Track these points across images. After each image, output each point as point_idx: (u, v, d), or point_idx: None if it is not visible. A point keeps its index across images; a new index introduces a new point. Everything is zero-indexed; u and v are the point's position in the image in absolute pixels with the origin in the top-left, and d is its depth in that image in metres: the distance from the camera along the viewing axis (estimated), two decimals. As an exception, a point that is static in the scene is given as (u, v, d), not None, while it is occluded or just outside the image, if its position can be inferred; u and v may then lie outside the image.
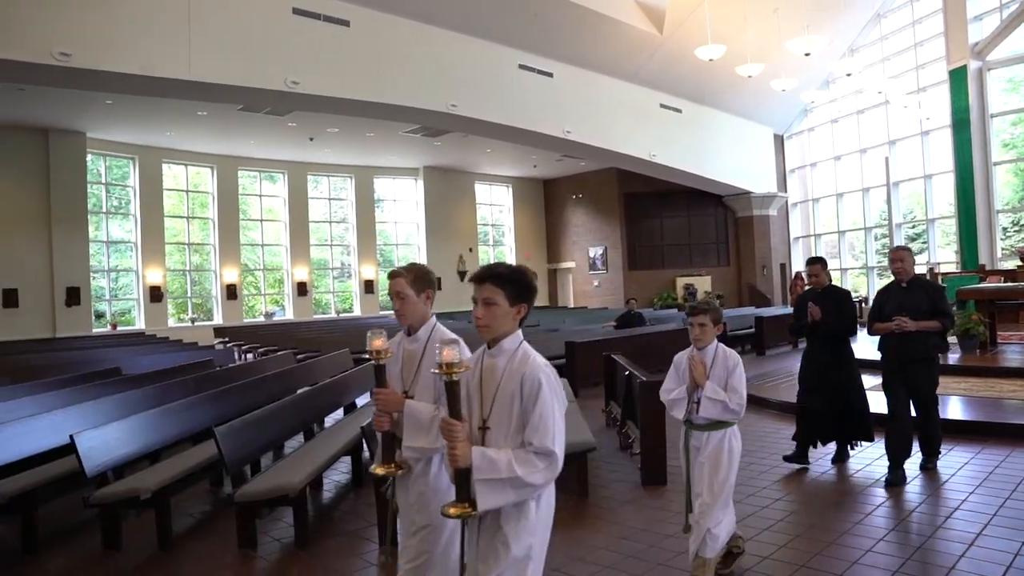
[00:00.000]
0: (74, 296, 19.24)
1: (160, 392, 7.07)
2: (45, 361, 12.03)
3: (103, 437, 5.00)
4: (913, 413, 5.69)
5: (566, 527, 4.77)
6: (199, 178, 23.54)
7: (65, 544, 5.11)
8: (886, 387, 5.68)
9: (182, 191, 23.17)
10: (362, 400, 8.49)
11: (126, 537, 4.93)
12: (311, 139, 21.46)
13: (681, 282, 25.98)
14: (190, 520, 5.47)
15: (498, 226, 30.50)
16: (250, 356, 16.30)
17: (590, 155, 21.26)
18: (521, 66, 17.10)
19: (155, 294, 21.60)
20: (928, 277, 25.53)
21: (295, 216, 24.92)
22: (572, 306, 27.73)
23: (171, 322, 22.15)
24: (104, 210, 21.43)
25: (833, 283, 6.33)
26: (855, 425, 6.04)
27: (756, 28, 17.45)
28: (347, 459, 6.35)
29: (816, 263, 6.20)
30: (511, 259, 30.05)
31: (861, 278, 23.54)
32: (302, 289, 24.72)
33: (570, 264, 29.37)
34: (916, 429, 5.70)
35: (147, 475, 5.03)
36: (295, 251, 24.79)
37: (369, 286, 26.27)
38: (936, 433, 5.79)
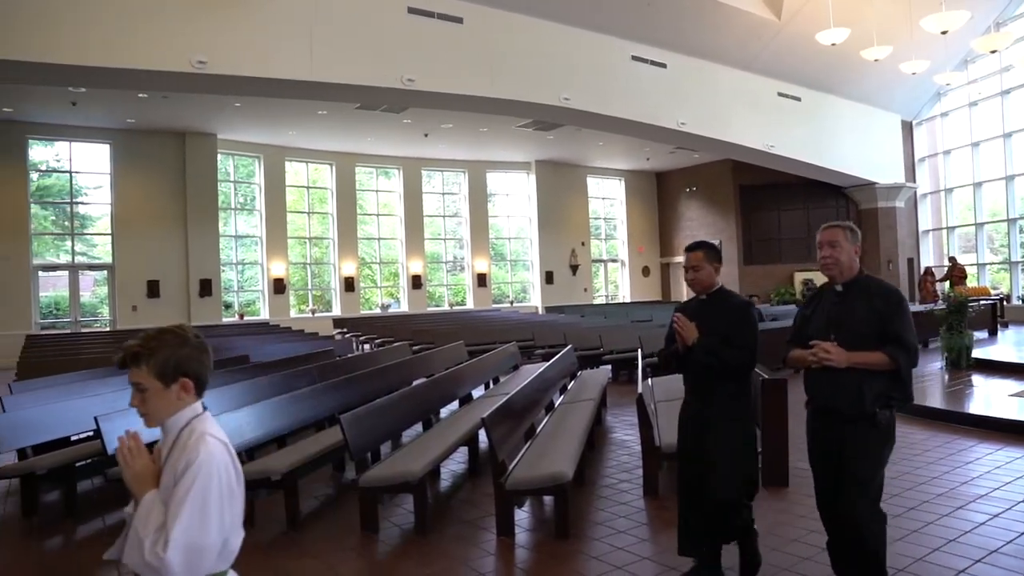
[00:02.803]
0: (206, 287, 20.54)
1: (286, 380, 7.40)
2: (182, 348, 12.79)
3: (237, 420, 5.30)
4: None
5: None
6: (318, 175, 24.53)
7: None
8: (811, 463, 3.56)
9: (303, 187, 24.21)
10: (478, 392, 8.63)
11: (258, 515, 5.21)
12: (425, 135, 21.95)
13: (799, 277, 25.07)
14: (315, 502, 5.72)
15: (610, 220, 30.29)
16: (367, 347, 16.84)
17: (705, 147, 20.80)
18: (634, 57, 16.90)
19: (278, 286, 22.70)
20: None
21: (410, 211, 25.58)
22: (685, 300, 27.20)
23: (292, 313, 23.20)
24: (232, 206, 22.67)
25: (724, 287, 3.96)
26: (717, 522, 3.72)
27: (883, 8, 16.56)
28: (464, 449, 6.47)
29: (697, 249, 3.91)
30: (624, 253, 29.83)
31: (1003, 274, 22.00)
32: (416, 282, 25.34)
33: (683, 258, 28.78)
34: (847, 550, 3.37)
35: (277, 458, 5.29)
36: (410, 245, 25.44)
37: (482, 279, 26.64)
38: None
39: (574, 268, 27.54)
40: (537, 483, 4.65)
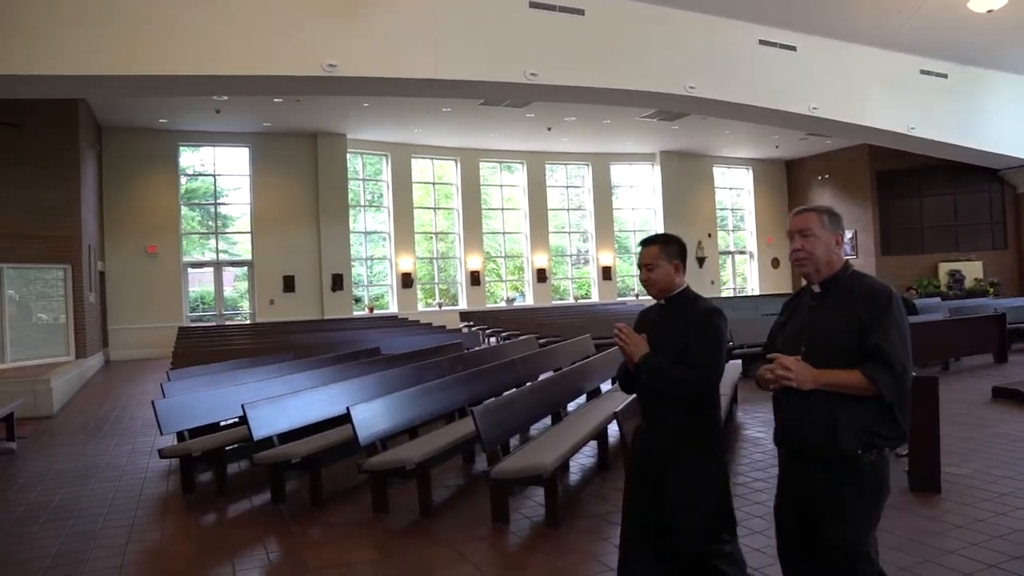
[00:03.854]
0: (338, 282, 21.45)
1: (416, 372, 7.57)
2: (317, 340, 13.40)
3: (371, 410, 5.47)
4: None
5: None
6: (444, 171, 25.04)
7: (342, 503, 5.68)
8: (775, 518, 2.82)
9: (429, 184, 24.78)
10: (606, 386, 8.57)
11: (392, 502, 5.37)
12: (549, 129, 21.99)
13: (944, 268, 23.51)
14: (446, 492, 5.83)
15: (737, 210, 29.41)
16: (493, 340, 17.07)
17: (838, 132, 19.76)
18: (761, 41, 16.25)
19: (406, 280, 23.37)
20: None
21: (534, 204, 25.73)
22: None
23: (420, 306, 23.83)
24: (361, 204, 23.50)
25: (692, 290, 3.20)
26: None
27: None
28: (593, 443, 6.43)
29: (651, 244, 3.20)
30: (752, 245, 28.89)
31: None
32: (541, 275, 25.46)
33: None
34: None
35: (410, 448, 5.43)
36: (534, 239, 25.58)
37: (607, 272, 26.48)
38: None
39: (700, 260, 26.91)
40: None
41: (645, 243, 3.21)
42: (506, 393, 5.87)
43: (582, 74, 14.04)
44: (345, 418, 5.48)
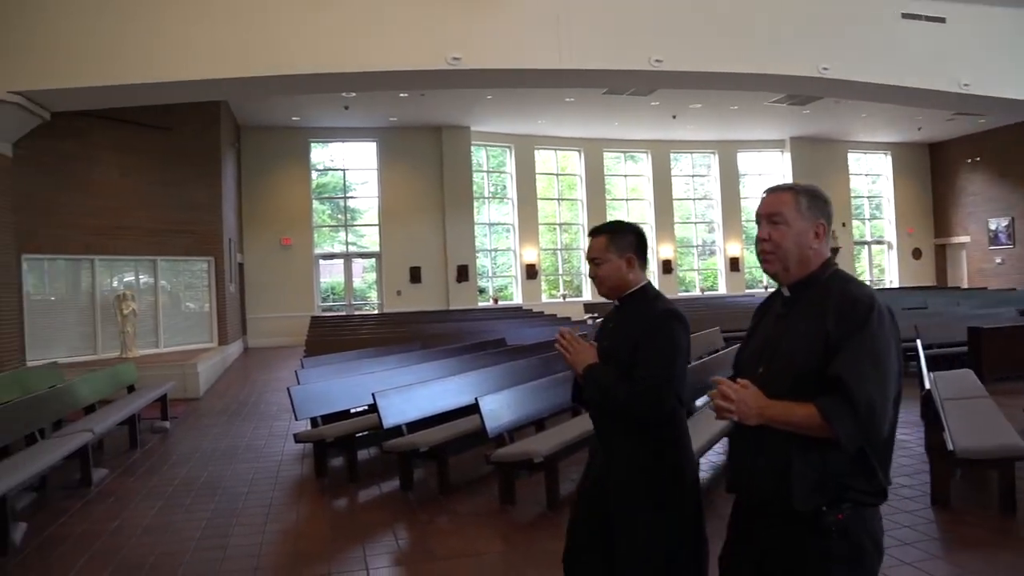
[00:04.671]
0: (463, 273, 21.77)
1: (542, 363, 7.52)
2: (443, 330, 13.62)
3: (499, 401, 5.46)
4: None
5: (988, 547, 4.14)
6: (567, 161, 24.93)
7: (469, 492, 5.71)
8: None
9: (552, 175, 24.73)
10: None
11: (519, 494, 5.34)
12: (674, 117, 21.46)
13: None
14: (572, 485, 5.74)
15: (875, 198, 27.78)
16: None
17: (993, 109, 18.19)
18: (904, 15, 15.15)
19: (530, 271, 23.45)
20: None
21: (659, 194, 25.23)
22: (966, 286, 24.22)
23: (544, 297, 23.85)
24: (485, 195, 23.74)
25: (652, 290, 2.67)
26: None
27: None
28: (724, 440, 6.18)
29: (599, 234, 2.70)
30: (891, 234, 27.27)
31: None
32: (667, 267, 24.93)
33: (963, 239, 25.71)
34: None
35: (539, 440, 5.38)
36: (660, 229, 25.07)
37: (734, 263, 25.65)
38: None
39: (834, 251, 25.53)
40: None
41: (592, 233, 2.70)
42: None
43: (709, 59, 13.55)
44: (472, 408, 5.50)
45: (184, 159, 15.07)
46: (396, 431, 5.92)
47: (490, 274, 23.92)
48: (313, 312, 20.45)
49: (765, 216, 2.11)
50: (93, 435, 6.48)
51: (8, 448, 6.15)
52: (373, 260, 22.40)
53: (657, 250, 24.96)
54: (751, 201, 26.47)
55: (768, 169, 26.50)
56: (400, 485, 5.88)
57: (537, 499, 5.27)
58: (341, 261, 22.35)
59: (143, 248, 14.31)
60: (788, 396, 1.91)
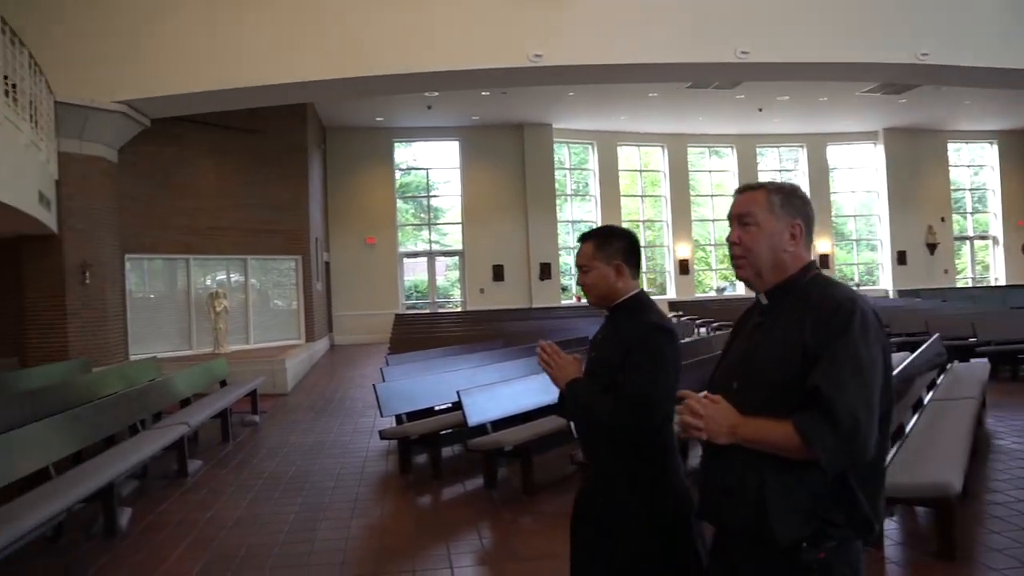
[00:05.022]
0: (546, 271, 21.74)
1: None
2: (526, 328, 13.62)
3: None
4: None
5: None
6: (650, 157, 24.60)
7: (554, 492, 5.65)
8: None
9: (635, 171, 24.43)
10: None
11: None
12: (760, 110, 20.91)
13: None
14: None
15: (978, 190, 26.42)
16: (703, 331, 16.52)
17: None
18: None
19: (613, 269, 23.20)
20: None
21: (743, 189, 24.58)
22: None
23: (626, 295, 23.53)
24: (568, 193, 23.63)
25: (643, 298, 2.46)
26: None
27: None
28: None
29: (586, 240, 2.51)
30: (996, 228, 25.85)
31: None
32: (756, 264, 24.27)
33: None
34: None
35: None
36: (747, 224, 24.43)
37: (824, 261, 24.70)
38: None
39: (931, 247, 24.46)
40: (914, 491, 4.02)
41: (581, 238, 2.55)
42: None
43: (798, 49, 13.08)
44: (555, 407, 5.42)
45: (273, 161, 15.51)
46: (480, 429, 5.92)
47: (573, 272, 23.80)
48: (397, 310, 20.79)
49: (735, 217, 1.92)
50: (189, 428, 6.72)
51: (113, 437, 6.44)
52: (456, 258, 22.61)
53: (743, 247, 24.33)
54: (842, 196, 25.62)
55: (860, 162, 25.53)
56: (484, 483, 5.87)
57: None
58: (424, 259, 22.63)
59: (234, 248, 14.81)
60: (764, 411, 1.71)
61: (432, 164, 22.64)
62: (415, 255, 22.62)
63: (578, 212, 23.94)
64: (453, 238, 22.67)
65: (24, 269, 10.87)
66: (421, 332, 14.14)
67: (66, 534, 5.04)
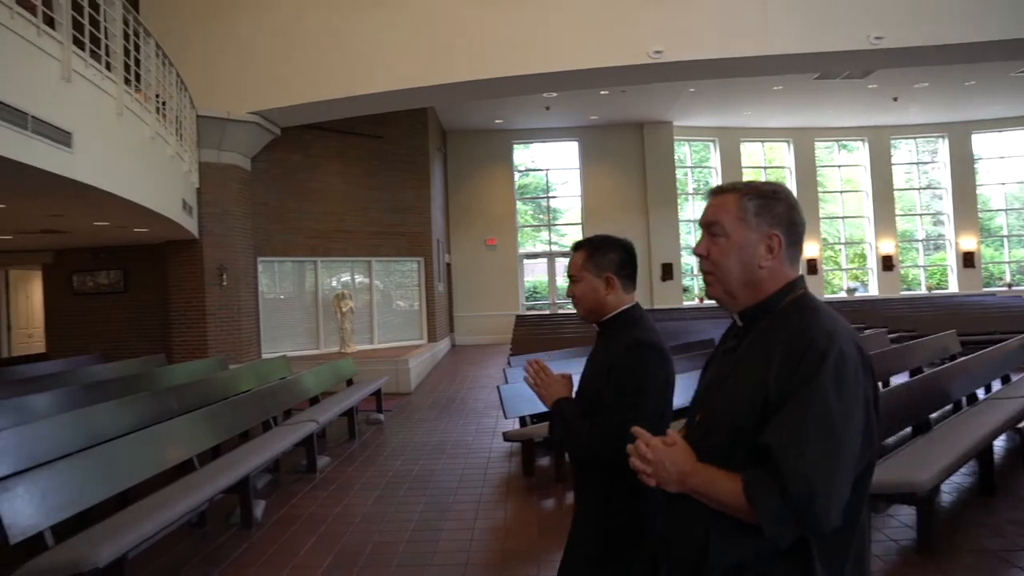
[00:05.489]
0: (667, 272, 21.33)
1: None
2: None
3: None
4: None
5: None
6: (774, 154, 23.69)
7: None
8: None
9: (759, 168, 23.58)
10: (982, 392, 7.35)
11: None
12: (895, 99, 19.70)
13: None
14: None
15: None
16: (832, 333, 15.74)
17: None
18: None
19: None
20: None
21: (877, 185, 23.28)
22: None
23: (751, 296, 22.78)
24: (689, 191, 23.09)
25: (632, 310, 2.32)
26: None
27: None
28: (971, 462, 5.49)
29: (577, 250, 2.41)
30: None
31: None
32: (887, 263, 22.96)
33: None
34: None
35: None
36: (879, 222, 23.16)
37: (968, 259, 23.08)
38: None
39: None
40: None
41: (574, 247, 2.43)
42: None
43: (940, 30, 12.20)
44: (680, 412, 5.23)
45: (395, 165, 15.90)
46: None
47: (695, 272, 23.24)
48: (517, 311, 20.91)
49: (704, 226, 1.68)
50: (318, 425, 6.93)
51: (248, 432, 6.73)
52: (574, 259, 22.47)
53: (876, 245, 23.05)
54: (989, 188, 23.84)
55: (1012, 150, 23.60)
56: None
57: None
58: (544, 260, 22.66)
59: (359, 250, 15.27)
60: (721, 458, 1.50)
61: (551, 165, 22.64)
62: (535, 256, 22.68)
63: (700, 211, 23.25)
64: (572, 239, 22.50)
65: (169, 272, 11.62)
66: (543, 333, 14.13)
67: (208, 522, 5.31)
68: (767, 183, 1.69)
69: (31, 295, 14.56)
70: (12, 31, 5.63)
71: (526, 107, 18.91)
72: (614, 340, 2.23)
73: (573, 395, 2.32)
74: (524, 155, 22.82)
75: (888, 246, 22.99)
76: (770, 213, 1.62)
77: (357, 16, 11.31)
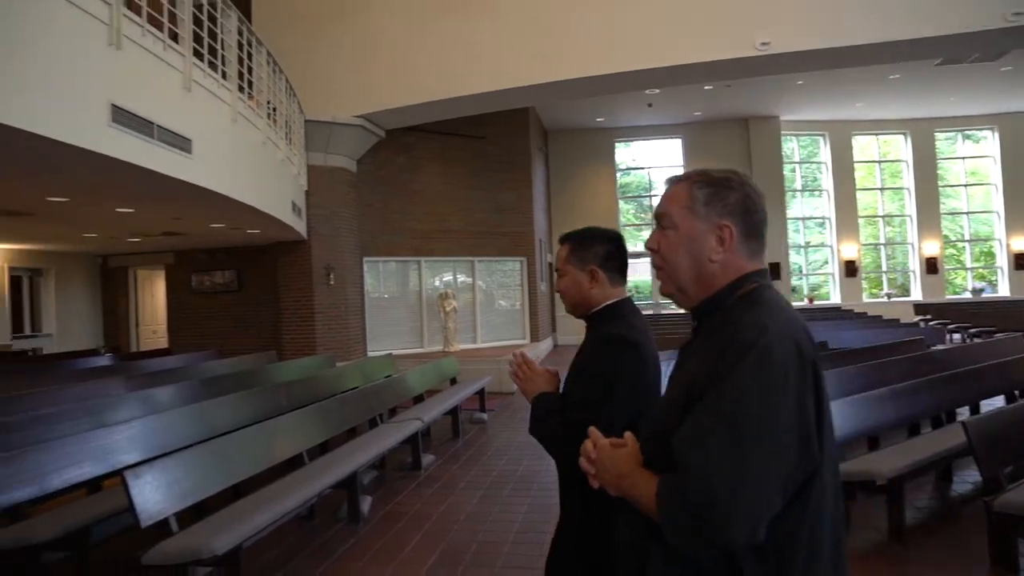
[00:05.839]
0: (774, 271, 20.55)
1: (873, 371, 6.71)
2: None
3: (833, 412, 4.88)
4: None
5: None
6: (889, 147, 22.55)
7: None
8: None
9: (873, 162, 22.49)
10: None
11: (853, 516, 4.76)
12: (1031, 82, 18.35)
13: None
14: (918, 513, 5.00)
15: None
16: (957, 336, 14.84)
17: None
18: None
19: (849, 268, 21.59)
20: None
21: (1009, 177, 21.73)
22: None
23: (864, 297, 21.78)
24: (797, 188, 22.25)
25: (622, 304, 2.20)
26: None
27: None
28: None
29: (563, 243, 2.31)
30: None
31: None
32: (1020, 262, 21.42)
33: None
34: None
35: (879, 459, 4.73)
36: (1010, 216, 21.63)
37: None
38: None
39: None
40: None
41: (560, 240, 2.31)
42: (1009, 405, 4.80)
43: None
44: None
45: (497, 165, 15.99)
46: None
47: (803, 272, 22.38)
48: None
49: (655, 219, 1.57)
50: (423, 423, 7.00)
51: (355, 429, 6.86)
52: (677, 259, 22.04)
53: (1006, 243, 21.54)
54: None
55: None
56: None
57: (876, 525, 4.64)
58: (647, 260, 22.32)
59: (461, 250, 15.42)
60: (659, 463, 1.38)
61: (652, 163, 22.27)
62: (637, 256, 22.35)
63: (807, 208, 22.46)
64: (671, 238, 22.12)
65: (279, 272, 12.04)
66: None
67: (317, 516, 5.43)
68: (723, 170, 1.57)
69: (155, 293, 15.42)
70: (143, 47, 5.94)
71: (628, 104, 18.67)
72: (592, 337, 2.16)
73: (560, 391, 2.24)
74: (625, 154, 22.53)
75: (1021, 243, 21.43)
76: (721, 202, 1.50)
77: (458, 17, 11.41)
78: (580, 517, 2.06)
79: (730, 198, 1.50)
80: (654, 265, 1.59)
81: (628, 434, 1.50)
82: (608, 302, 2.20)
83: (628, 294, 2.25)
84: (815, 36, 11.36)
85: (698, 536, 1.26)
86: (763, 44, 11.27)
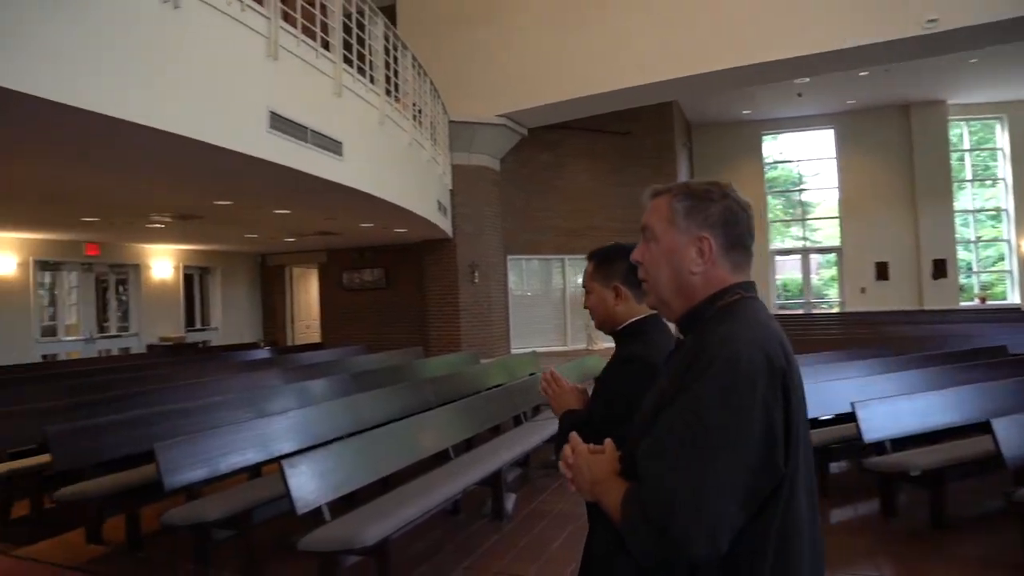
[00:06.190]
0: (940, 269, 19.08)
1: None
2: (915, 333, 12.00)
3: (1018, 425, 4.40)
4: None
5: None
6: (1083, 129, 20.35)
7: (976, 532, 4.77)
8: None
9: (1062, 148, 20.40)
10: None
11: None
12: None
13: None
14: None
15: None
16: None
17: None
18: None
19: (1029, 264, 19.70)
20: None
21: None
22: None
23: (1048, 297, 19.83)
24: (966, 178, 20.54)
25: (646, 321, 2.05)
26: None
27: None
28: None
29: (589, 260, 2.21)
30: None
31: None
32: None
33: None
34: None
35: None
36: None
37: None
38: None
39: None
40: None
41: (588, 257, 2.27)
42: None
43: None
44: (959, 430, 4.63)
45: (641, 160, 15.73)
46: (876, 446, 5.19)
47: (974, 270, 20.60)
48: (770, 310, 19.80)
49: (640, 231, 1.58)
50: (566, 422, 6.92)
51: (499, 427, 6.89)
52: (832, 255, 20.91)
53: None
54: None
55: None
56: (880, 509, 5.14)
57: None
58: (797, 257, 21.32)
59: (605, 247, 15.28)
60: (631, 472, 1.37)
61: (801, 156, 21.21)
62: (787, 252, 21.41)
63: (979, 200, 20.66)
64: (826, 233, 21.00)
65: (425, 269, 12.36)
66: (794, 334, 13.21)
67: (462, 511, 5.48)
68: (706, 182, 1.56)
69: (309, 290, 16.27)
70: (297, 56, 6.23)
71: (776, 95, 17.82)
72: (618, 353, 2.15)
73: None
74: (772, 147, 21.58)
75: None
76: (701, 214, 1.50)
77: (602, 13, 11.28)
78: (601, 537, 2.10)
79: (710, 210, 1.51)
80: (639, 278, 1.62)
81: (608, 441, 1.49)
82: (633, 319, 2.17)
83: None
84: (994, 5, 10.31)
85: (658, 548, 1.24)
86: (930, 22, 10.40)
